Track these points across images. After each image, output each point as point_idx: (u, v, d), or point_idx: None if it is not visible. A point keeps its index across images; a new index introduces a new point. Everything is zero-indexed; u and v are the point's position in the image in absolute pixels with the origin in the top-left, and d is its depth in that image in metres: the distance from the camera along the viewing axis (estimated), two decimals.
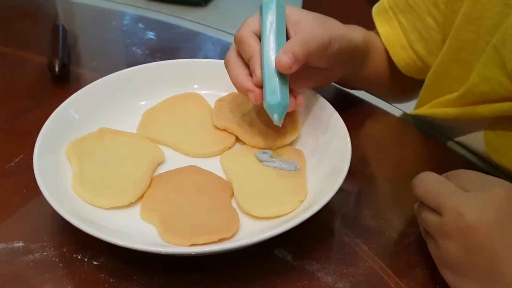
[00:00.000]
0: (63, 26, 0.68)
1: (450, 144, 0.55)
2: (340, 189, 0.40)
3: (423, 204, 0.39)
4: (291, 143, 0.49)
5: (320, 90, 0.52)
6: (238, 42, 0.46)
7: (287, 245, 0.41)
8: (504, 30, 0.46)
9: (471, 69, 0.50)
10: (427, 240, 0.39)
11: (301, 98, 0.45)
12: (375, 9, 0.62)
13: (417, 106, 0.62)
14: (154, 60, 0.59)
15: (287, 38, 0.46)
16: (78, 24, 0.76)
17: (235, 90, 0.46)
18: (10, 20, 0.77)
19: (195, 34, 0.74)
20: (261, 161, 0.46)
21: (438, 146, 0.55)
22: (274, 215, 0.40)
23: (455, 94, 0.52)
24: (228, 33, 0.70)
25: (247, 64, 0.45)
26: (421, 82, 0.61)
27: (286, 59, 0.42)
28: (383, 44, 0.61)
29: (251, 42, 0.45)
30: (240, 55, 0.46)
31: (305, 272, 0.39)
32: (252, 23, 0.46)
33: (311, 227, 0.41)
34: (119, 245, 0.35)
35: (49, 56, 0.62)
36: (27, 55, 0.67)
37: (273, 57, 0.43)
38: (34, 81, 0.62)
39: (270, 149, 0.47)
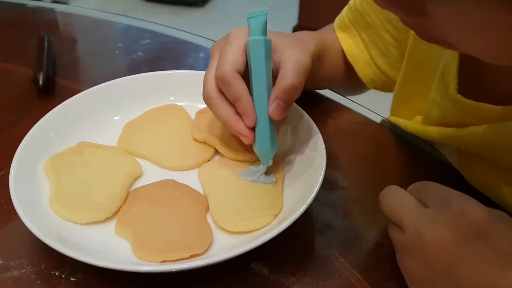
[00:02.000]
0: (48, 38, 0.68)
1: (428, 149, 0.55)
2: (317, 201, 0.40)
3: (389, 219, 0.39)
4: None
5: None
6: (221, 82, 0.44)
7: (264, 258, 0.41)
8: (448, 54, 0.46)
9: (431, 87, 0.50)
10: (396, 254, 0.40)
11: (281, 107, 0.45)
12: (336, 24, 0.63)
13: (391, 113, 0.62)
14: (140, 71, 0.59)
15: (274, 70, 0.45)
16: (63, 34, 0.76)
17: None
18: (3, 31, 0.77)
19: (181, 43, 0.74)
20: (238, 174, 0.46)
21: (416, 152, 0.55)
22: (248, 230, 0.41)
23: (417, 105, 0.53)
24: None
25: (230, 101, 0.44)
26: None
27: (279, 110, 0.42)
28: (341, 50, 0.61)
29: (237, 83, 0.43)
30: (222, 91, 0.45)
31: (281, 285, 0.40)
32: (234, 60, 0.44)
33: (288, 239, 0.41)
34: (92, 264, 0.35)
35: (34, 68, 0.62)
36: (12, 67, 0.68)
37: (264, 102, 0.43)
38: (19, 93, 0.63)
39: (248, 161, 0.48)
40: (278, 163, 0.48)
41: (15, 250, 0.42)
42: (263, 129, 0.43)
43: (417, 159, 0.54)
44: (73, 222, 0.42)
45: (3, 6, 0.88)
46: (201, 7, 3.04)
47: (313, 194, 0.40)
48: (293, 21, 2.43)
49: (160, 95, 0.55)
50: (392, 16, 0.56)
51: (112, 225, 0.42)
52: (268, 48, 0.44)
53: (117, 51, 0.73)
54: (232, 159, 0.48)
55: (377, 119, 0.59)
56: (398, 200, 0.38)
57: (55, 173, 0.45)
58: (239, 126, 0.43)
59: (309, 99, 0.56)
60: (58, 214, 0.42)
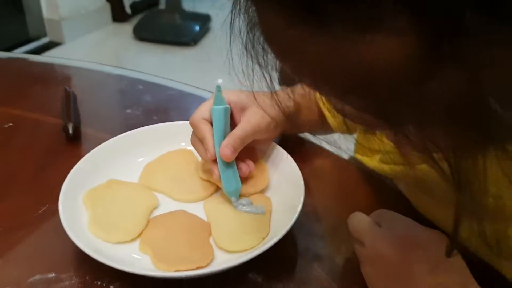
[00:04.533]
0: (73, 92, 0.81)
1: (388, 182, 0.68)
2: (299, 226, 0.53)
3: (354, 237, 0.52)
4: (261, 191, 0.62)
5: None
6: (192, 125, 0.60)
7: (259, 269, 0.53)
8: None
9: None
10: (360, 265, 0.52)
11: (251, 164, 0.61)
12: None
13: (355, 151, 0.76)
14: (151, 120, 0.72)
15: (236, 123, 0.60)
16: (82, 87, 0.88)
17: None
18: (24, 86, 0.90)
19: (185, 95, 0.87)
20: (235, 206, 0.59)
21: (378, 184, 0.68)
22: (241, 249, 0.53)
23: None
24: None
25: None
26: None
27: (227, 152, 0.57)
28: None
29: (202, 126, 0.59)
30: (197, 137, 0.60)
31: None
32: (204, 111, 0.60)
33: (276, 254, 0.53)
34: (125, 271, 0.48)
35: (63, 119, 0.75)
36: (42, 118, 0.80)
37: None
38: (51, 141, 0.75)
39: (244, 196, 0.60)
40: (268, 197, 0.61)
41: (65, 266, 0.54)
42: (226, 174, 0.58)
43: (378, 190, 0.67)
44: (106, 242, 0.54)
45: (25, 63, 1.01)
46: (192, 46, 3.18)
47: (292, 221, 0.53)
48: None
49: (173, 141, 0.67)
50: None
51: (136, 244, 0.55)
52: (224, 113, 0.59)
53: (129, 102, 0.86)
54: None
55: (346, 156, 0.73)
56: (361, 223, 0.51)
57: (91, 204, 0.58)
58: (206, 155, 0.58)
59: (292, 143, 0.69)
60: (96, 235, 0.55)
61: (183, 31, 3.23)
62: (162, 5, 3.71)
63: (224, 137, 0.58)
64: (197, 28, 3.23)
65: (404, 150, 0.39)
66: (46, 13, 3.20)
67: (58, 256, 0.55)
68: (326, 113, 0.74)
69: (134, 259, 0.53)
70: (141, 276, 0.49)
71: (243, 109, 0.62)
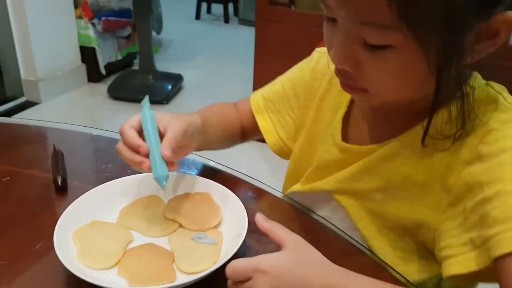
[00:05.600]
0: (60, 151, 0.97)
1: (316, 216, 0.85)
2: (244, 249, 0.69)
3: (235, 283, 0.61)
4: (215, 226, 0.78)
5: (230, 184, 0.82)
6: (121, 133, 0.75)
7: (216, 285, 0.67)
8: (335, 123, 0.81)
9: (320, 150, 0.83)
10: None
11: (175, 164, 0.77)
12: (253, 107, 0.97)
13: (284, 188, 0.94)
14: (126, 173, 0.88)
15: (162, 134, 0.77)
16: (67, 146, 1.03)
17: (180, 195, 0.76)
18: (18, 146, 1.05)
19: None
20: (192, 238, 0.75)
21: (304, 217, 0.85)
22: (198, 271, 0.68)
23: (309, 170, 0.84)
24: None
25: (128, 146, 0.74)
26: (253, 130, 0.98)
27: (168, 153, 0.73)
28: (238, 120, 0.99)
29: (131, 132, 0.75)
30: (124, 143, 0.75)
31: None
32: (132, 121, 0.76)
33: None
34: None
35: (53, 173, 0.90)
36: (35, 173, 0.96)
37: (151, 145, 0.74)
38: (42, 191, 0.90)
39: (200, 231, 0.76)
40: (219, 231, 0.77)
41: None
42: (156, 163, 0.73)
43: (305, 223, 0.84)
44: (92, 269, 0.69)
45: (14, 126, 1.17)
46: (165, 104, 3.36)
47: (237, 247, 0.68)
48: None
49: (144, 189, 0.83)
50: (293, 105, 0.91)
51: (115, 270, 0.70)
52: (152, 118, 0.77)
53: (107, 158, 1.01)
54: (189, 230, 0.77)
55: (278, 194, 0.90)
56: (241, 263, 0.61)
57: (79, 240, 0.73)
58: (139, 158, 0.74)
59: (239, 187, 0.85)
60: (83, 263, 0.69)
61: (156, 90, 3.41)
62: (135, 66, 3.90)
63: (152, 135, 0.75)
64: (169, 87, 3.42)
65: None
66: (23, 74, 3.34)
67: (54, 282, 0.69)
68: (266, 135, 0.96)
69: (114, 280, 0.68)
70: None
71: (167, 123, 0.79)
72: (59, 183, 0.88)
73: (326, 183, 0.81)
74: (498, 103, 0.67)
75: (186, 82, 3.66)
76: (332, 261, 0.63)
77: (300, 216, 0.86)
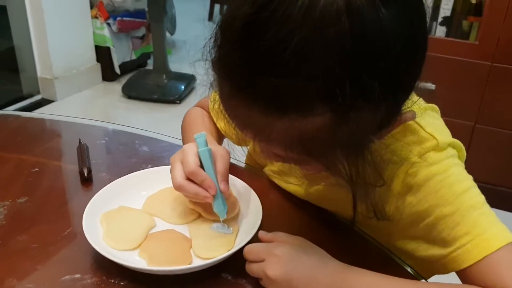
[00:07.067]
0: (86, 144, 1.02)
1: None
2: (255, 241, 0.74)
3: (249, 263, 0.70)
4: (232, 218, 0.82)
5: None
6: (191, 174, 0.75)
7: (229, 270, 0.73)
8: None
9: None
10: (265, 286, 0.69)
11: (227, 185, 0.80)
12: (211, 112, 1.00)
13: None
14: (148, 166, 0.94)
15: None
16: (90, 141, 1.09)
17: None
18: (45, 139, 1.11)
19: (174, 146, 1.08)
20: (211, 228, 0.80)
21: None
22: (211, 257, 0.73)
23: None
24: None
25: (198, 183, 0.76)
26: None
27: (225, 187, 0.78)
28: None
29: (201, 172, 0.76)
30: (188, 179, 0.76)
31: (238, 285, 0.72)
32: (194, 161, 0.76)
33: (241, 259, 0.73)
34: (130, 268, 0.69)
35: (79, 165, 0.96)
36: (62, 164, 1.01)
37: (216, 182, 0.77)
38: (68, 181, 0.96)
39: (216, 221, 0.81)
40: (236, 222, 0.82)
41: (86, 269, 0.73)
42: (217, 196, 0.78)
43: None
44: (116, 249, 0.75)
45: (38, 121, 1.23)
46: (178, 104, 3.41)
47: (248, 239, 0.74)
48: None
49: (167, 181, 0.85)
50: None
51: (136, 252, 0.76)
52: (210, 153, 0.78)
53: (130, 153, 1.07)
54: (207, 218, 0.82)
55: None
56: (256, 246, 0.70)
57: (105, 222, 0.79)
58: (205, 194, 0.77)
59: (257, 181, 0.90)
60: (108, 244, 0.75)
61: (169, 90, 3.46)
62: (149, 66, 3.95)
63: (213, 171, 0.77)
64: (182, 87, 3.46)
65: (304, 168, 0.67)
66: (40, 72, 3.41)
67: (81, 262, 0.75)
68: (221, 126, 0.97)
69: (135, 261, 0.74)
70: (140, 273, 0.70)
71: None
72: (86, 174, 0.93)
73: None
74: (417, 135, 0.72)
75: (198, 83, 3.69)
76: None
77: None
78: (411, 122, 0.71)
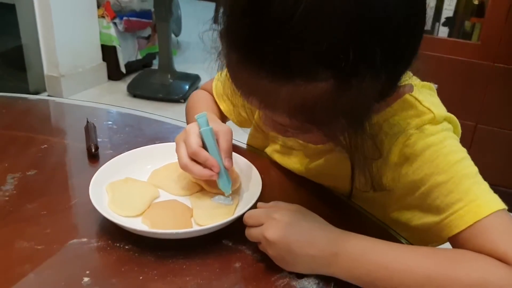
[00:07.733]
0: (93, 123, 1.05)
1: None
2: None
3: (248, 228, 0.72)
4: (233, 191, 0.85)
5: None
6: (194, 154, 0.78)
7: (229, 237, 0.76)
8: None
9: None
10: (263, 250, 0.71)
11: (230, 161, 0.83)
12: (214, 93, 1.03)
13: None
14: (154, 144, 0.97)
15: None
16: (98, 121, 1.12)
17: None
18: (54, 120, 1.15)
19: (179, 128, 1.11)
20: (212, 199, 0.83)
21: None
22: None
23: None
24: None
25: (196, 161, 0.79)
26: None
27: (229, 164, 0.80)
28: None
29: (203, 152, 0.78)
30: (191, 159, 0.79)
31: (238, 251, 0.75)
32: (197, 141, 0.78)
33: (241, 226, 0.76)
34: (135, 231, 0.72)
35: (87, 142, 0.99)
36: (70, 142, 1.05)
37: (217, 159, 0.79)
38: (76, 158, 0.99)
39: (218, 193, 0.83)
40: (236, 195, 0.85)
41: (93, 233, 0.76)
42: (221, 173, 0.80)
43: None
44: (120, 215, 0.78)
45: (47, 103, 1.26)
46: (182, 103, 3.43)
47: (247, 208, 0.76)
48: None
49: (172, 156, 0.88)
50: None
51: (139, 218, 0.79)
52: (212, 131, 0.81)
53: (137, 132, 1.10)
54: (209, 191, 0.85)
55: None
56: (257, 211, 0.73)
57: (111, 191, 0.82)
58: (209, 173, 0.79)
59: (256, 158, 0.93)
60: (113, 211, 0.78)
61: (173, 89, 3.48)
62: (154, 66, 3.99)
63: (216, 149, 0.80)
64: (187, 87, 3.49)
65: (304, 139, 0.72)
66: (46, 70, 3.45)
67: (88, 227, 0.78)
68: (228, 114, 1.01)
69: (139, 226, 0.77)
70: (144, 238, 0.73)
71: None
72: (93, 150, 0.96)
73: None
74: (414, 108, 0.75)
75: (203, 82, 3.71)
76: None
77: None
78: (408, 97, 0.74)
